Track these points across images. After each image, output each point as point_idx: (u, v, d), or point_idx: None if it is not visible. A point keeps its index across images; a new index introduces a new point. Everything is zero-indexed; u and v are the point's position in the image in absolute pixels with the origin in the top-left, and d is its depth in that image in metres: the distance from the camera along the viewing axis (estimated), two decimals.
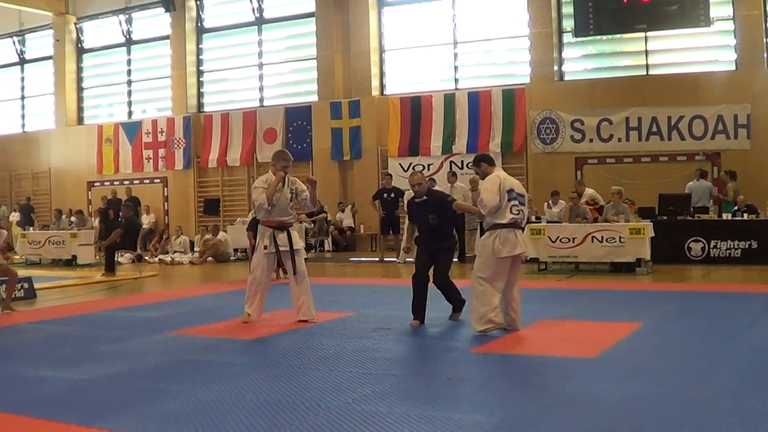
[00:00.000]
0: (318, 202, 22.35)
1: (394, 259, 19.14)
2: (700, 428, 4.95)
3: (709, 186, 18.37)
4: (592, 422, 5.17)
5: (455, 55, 23.56)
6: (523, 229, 8.73)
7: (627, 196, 17.84)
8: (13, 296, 12.00)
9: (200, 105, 27.02)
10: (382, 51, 24.41)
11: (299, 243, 9.91)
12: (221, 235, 21.37)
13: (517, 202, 8.52)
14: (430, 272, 9.58)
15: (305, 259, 10.18)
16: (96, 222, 23.30)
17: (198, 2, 26.71)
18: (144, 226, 23.70)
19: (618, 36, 21.43)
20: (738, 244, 16.11)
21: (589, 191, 17.78)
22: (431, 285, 9.56)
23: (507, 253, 8.41)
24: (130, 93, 28.62)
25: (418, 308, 9.56)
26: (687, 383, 6.17)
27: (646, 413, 5.32)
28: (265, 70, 26.21)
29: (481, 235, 9.18)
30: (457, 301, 9.85)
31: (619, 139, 20.60)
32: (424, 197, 9.65)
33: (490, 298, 8.52)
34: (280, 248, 9.62)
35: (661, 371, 6.65)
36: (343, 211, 23.79)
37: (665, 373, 6.58)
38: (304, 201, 9.93)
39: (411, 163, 22.90)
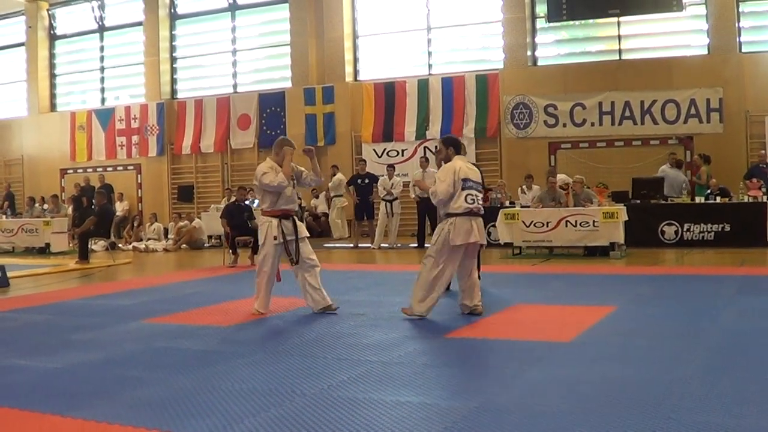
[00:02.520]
0: None
1: (369, 245, 19.13)
2: (675, 410, 4.97)
3: (684, 180, 18.45)
4: (567, 406, 5.18)
5: (429, 40, 23.57)
6: (481, 217, 8.70)
7: (600, 180, 17.94)
8: None
9: (174, 91, 26.84)
10: (355, 37, 24.35)
11: (305, 231, 9.56)
12: (196, 221, 21.29)
13: (472, 191, 8.53)
14: None
15: None
16: (69, 209, 23.13)
17: None
18: (117, 214, 23.57)
19: (591, 21, 21.57)
20: (711, 227, 16.26)
21: (560, 176, 17.85)
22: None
23: (461, 241, 8.41)
24: (103, 80, 28.41)
25: None
26: (662, 366, 6.20)
27: (621, 396, 5.33)
28: (238, 56, 26.10)
29: None
30: None
31: (592, 124, 20.70)
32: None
33: (434, 284, 8.54)
34: (287, 237, 9.23)
35: (635, 354, 6.69)
36: (317, 197, 23.73)
37: (640, 356, 6.62)
38: (309, 178, 9.81)
39: (385, 149, 22.96)
